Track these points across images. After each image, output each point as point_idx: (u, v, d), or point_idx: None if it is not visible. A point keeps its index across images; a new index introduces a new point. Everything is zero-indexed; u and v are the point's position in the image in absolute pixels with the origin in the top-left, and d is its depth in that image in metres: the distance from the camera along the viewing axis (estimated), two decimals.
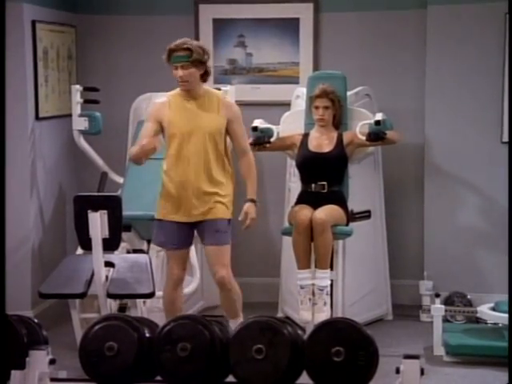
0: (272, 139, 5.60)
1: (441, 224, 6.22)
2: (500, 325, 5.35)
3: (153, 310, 5.35)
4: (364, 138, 5.43)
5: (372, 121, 5.42)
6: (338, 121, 5.65)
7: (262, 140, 5.58)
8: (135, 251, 5.54)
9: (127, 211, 4.93)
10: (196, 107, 4.79)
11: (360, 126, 5.48)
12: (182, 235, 4.84)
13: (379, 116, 5.43)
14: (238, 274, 6.36)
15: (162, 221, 4.84)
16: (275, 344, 3.81)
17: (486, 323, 5.62)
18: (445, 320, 5.58)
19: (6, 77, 5.30)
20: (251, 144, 5.39)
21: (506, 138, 5.91)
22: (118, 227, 4.74)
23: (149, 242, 5.61)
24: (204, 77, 4.78)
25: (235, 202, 4.90)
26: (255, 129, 5.57)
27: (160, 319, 4.61)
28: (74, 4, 6.52)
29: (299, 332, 3.99)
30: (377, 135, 5.40)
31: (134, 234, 5.53)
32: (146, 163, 4.75)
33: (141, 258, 5.12)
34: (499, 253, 5.75)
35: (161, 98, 4.89)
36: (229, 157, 4.88)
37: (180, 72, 4.71)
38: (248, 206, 4.86)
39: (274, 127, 5.65)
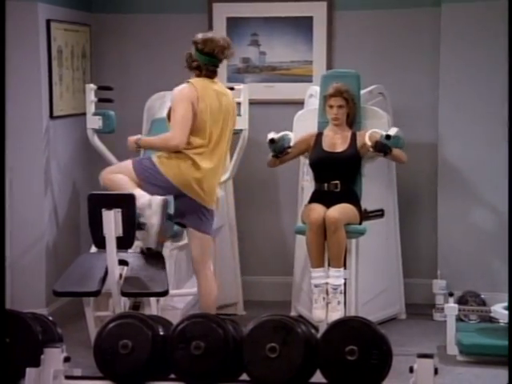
0: (291, 144, 5.52)
1: (454, 223, 6.20)
2: None
3: (167, 308, 5.35)
4: (370, 144, 5.40)
5: (384, 132, 5.40)
6: (352, 119, 5.65)
7: (283, 148, 5.49)
8: (149, 249, 5.53)
9: None
10: None
11: (371, 132, 5.45)
12: None
13: (393, 131, 5.40)
14: (251, 273, 6.38)
15: None
16: (289, 343, 3.82)
17: (500, 323, 5.59)
18: (458, 319, 5.56)
19: (21, 76, 5.42)
20: (275, 156, 5.43)
21: None
22: (132, 225, 4.75)
23: None
24: (201, 72, 4.82)
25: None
26: (272, 141, 5.48)
27: (174, 317, 4.62)
28: (89, 3, 6.53)
29: (312, 331, 4.00)
30: (383, 148, 5.39)
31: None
32: None
33: (154, 256, 5.12)
34: None
35: None
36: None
37: None
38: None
39: (288, 132, 5.60)
